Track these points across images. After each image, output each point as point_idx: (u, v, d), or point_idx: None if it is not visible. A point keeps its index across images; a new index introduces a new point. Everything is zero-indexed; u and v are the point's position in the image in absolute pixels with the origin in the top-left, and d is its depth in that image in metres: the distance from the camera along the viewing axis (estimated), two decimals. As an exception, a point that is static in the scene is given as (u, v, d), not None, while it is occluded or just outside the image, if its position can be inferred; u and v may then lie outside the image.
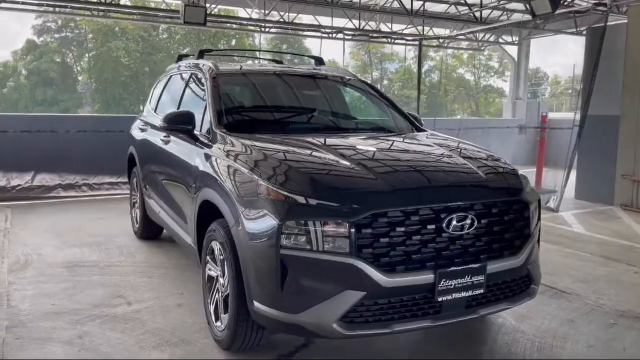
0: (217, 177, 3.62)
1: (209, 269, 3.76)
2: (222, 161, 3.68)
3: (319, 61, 5.71)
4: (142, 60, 44.77)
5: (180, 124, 4.23)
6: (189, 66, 5.30)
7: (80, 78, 47.78)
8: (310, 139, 3.87)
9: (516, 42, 15.49)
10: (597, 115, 8.94)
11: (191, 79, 5.10)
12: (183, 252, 5.57)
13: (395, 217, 2.97)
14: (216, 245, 3.58)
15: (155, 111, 5.89)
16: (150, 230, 6.14)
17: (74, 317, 4.08)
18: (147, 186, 5.68)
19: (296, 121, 4.66)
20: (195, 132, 4.25)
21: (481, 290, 3.16)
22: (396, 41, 14.44)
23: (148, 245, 6.08)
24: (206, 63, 4.88)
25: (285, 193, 3.03)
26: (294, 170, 3.22)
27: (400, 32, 13.49)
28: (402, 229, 2.98)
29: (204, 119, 4.31)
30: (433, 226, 3.04)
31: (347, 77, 5.29)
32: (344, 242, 2.90)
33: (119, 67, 43.47)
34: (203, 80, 4.62)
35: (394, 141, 4.17)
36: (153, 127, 5.60)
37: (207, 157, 3.91)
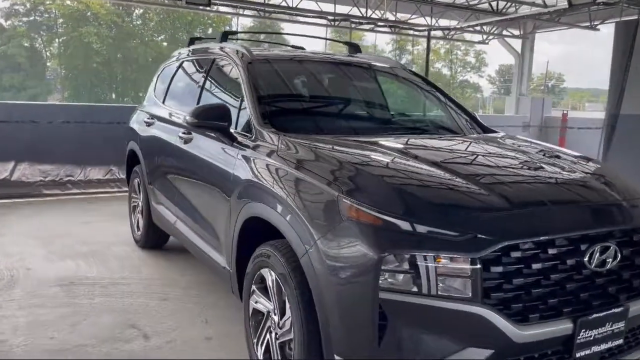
0: (274, 189, 2.85)
1: (256, 302, 3.02)
2: (278, 169, 2.91)
3: (355, 48, 4.99)
4: (115, 46, 43.26)
5: (213, 119, 3.46)
6: (208, 51, 4.53)
7: (49, 64, 46.07)
8: (383, 142, 3.15)
9: (522, 36, 14.89)
10: (626, 115, 8.38)
11: (214, 66, 4.32)
12: (198, 266, 4.82)
13: (530, 250, 2.28)
14: (270, 275, 2.84)
15: (163, 102, 5.09)
16: (155, 239, 5.33)
17: (81, 357, 3.29)
18: (156, 190, 4.87)
19: (357, 118, 3.89)
20: (231, 130, 3.49)
21: (620, 341, 2.50)
22: (402, 31, 13.72)
23: (153, 256, 5.27)
24: (234, 47, 4.11)
25: (383, 216, 2.29)
26: (388, 185, 2.49)
27: (405, 20, 12.79)
28: (539, 265, 2.28)
29: (239, 115, 3.57)
30: (573, 261, 2.36)
31: (399, 67, 4.56)
32: (465, 283, 2.20)
33: (91, 53, 41.90)
34: (234, 68, 3.86)
35: (479, 145, 3.44)
36: (163, 120, 4.81)
37: (252, 162, 3.15)
